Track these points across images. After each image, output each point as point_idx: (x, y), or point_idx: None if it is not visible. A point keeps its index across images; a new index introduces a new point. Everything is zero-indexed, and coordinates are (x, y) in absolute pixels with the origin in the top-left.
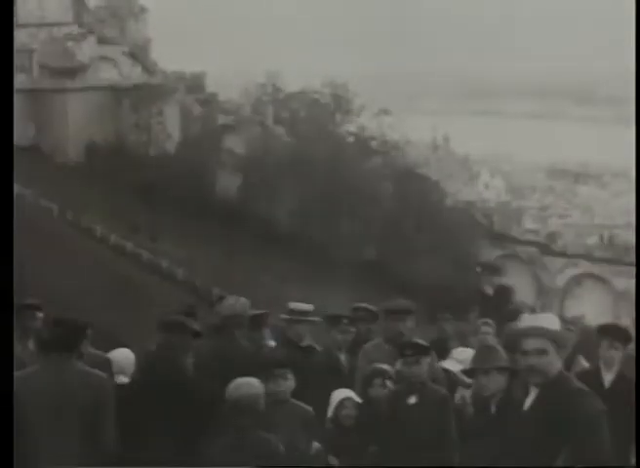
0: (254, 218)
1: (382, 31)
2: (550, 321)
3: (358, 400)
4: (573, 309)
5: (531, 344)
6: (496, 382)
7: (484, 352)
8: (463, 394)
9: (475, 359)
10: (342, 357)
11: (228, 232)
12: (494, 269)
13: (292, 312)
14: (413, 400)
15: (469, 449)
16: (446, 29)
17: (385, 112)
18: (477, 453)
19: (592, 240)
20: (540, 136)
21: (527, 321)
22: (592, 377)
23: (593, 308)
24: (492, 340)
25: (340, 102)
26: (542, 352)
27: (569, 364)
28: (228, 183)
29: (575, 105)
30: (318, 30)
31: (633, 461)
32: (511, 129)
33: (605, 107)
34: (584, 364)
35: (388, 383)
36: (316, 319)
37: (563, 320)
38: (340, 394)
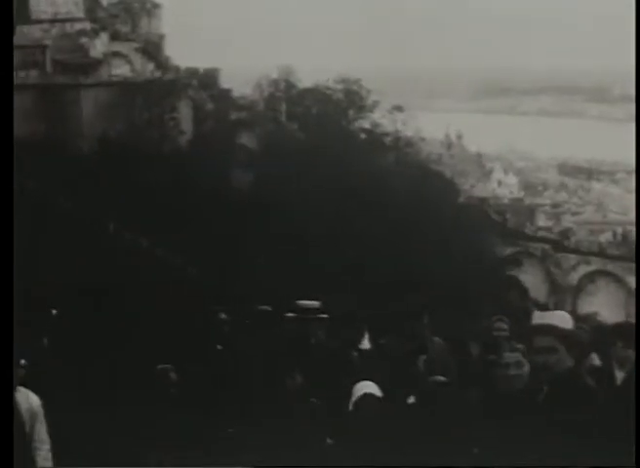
0: (267, 215)
1: (396, 28)
2: (562, 319)
3: (379, 394)
4: (586, 306)
5: (541, 342)
6: None
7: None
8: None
9: None
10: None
11: (241, 228)
12: (508, 265)
13: (299, 309)
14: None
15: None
16: (460, 26)
17: (399, 109)
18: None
19: (606, 237)
20: (554, 134)
21: (538, 318)
22: (604, 375)
23: (606, 305)
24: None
25: (353, 99)
26: (552, 350)
27: (581, 361)
28: (242, 179)
29: (588, 103)
30: (332, 26)
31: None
32: (524, 126)
33: (619, 105)
34: (597, 361)
35: None
36: (324, 316)
37: (576, 317)
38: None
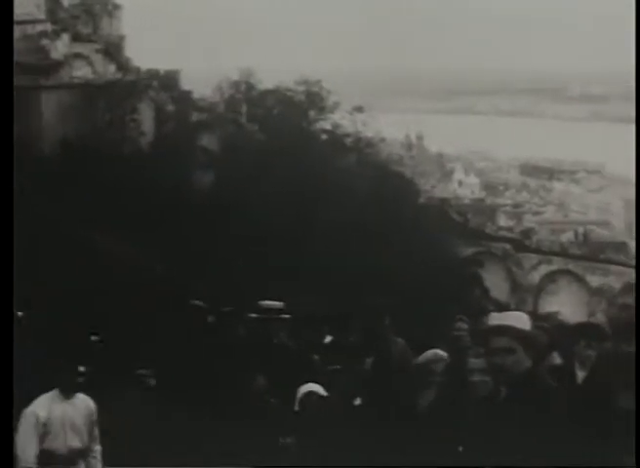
0: (228, 216)
1: (357, 29)
2: (519, 319)
3: (323, 393)
4: (547, 306)
5: (497, 343)
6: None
7: None
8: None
9: None
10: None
11: (203, 229)
12: (469, 265)
13: (262, 310)
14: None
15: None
16: (419, 28)
17: (359, 110)
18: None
19: (567, 236)
20: (515, 134)
21: (495, 319)
22: (565, 374)
23: (568, 305)
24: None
25: (313, 100)
26: (509, 351)
27: (540, 361)
28: (202, 180)
29: (549, 103)
30: (292, 28)
31: (633, 461)
32: (485, 126)
33: (579, 105)
34: (558, 360)
35: None
36: (286, 316)
37: (537, 317)
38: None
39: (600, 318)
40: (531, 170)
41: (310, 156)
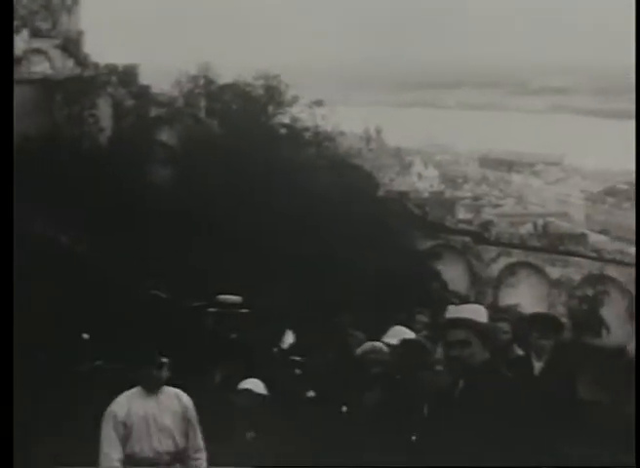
0: (187, 211)
1: (314, 23)
2: (477, 312)
3: (263, 391)
4: (507, 298)
5: (455, 336)
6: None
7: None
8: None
9: None
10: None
11: (162, 224)
12: (428, 258)
13: (221, 304)
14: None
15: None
16: (376, 21)
17: (318, 104)
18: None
19: (526, 229)
20: (474, 127)
21: (452, 312)
22: (523, 365)
23: (528, 297)
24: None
25: (272, 94)
26: (466, 343)
27: (498, 353)
28: (162, 175)
29: (508, 96)
30: (250, 21)
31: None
32: (444, 119)
33: (538, 98)
34: (519, 352)
35: None
36: (245, 311)
37: (497, 309)
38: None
39: (559, 310)
40: (490, 162)
41: (269, 150)
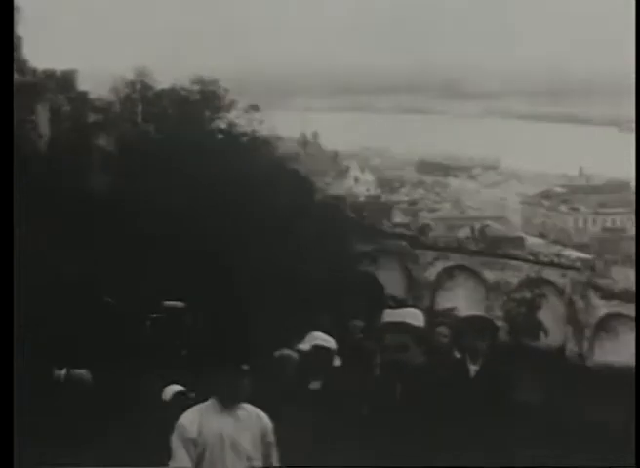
0: (126, 216)
1: (252, 27)
2: (413, 316)
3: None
4: (444, 302)
5: (392, 339)
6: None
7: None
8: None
9: None
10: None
11: (101, 230)
12: (365, 262)
13: (164, 310)
14: None
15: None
16: (313, 25)
17: (255, 108)
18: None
19: (464, 232)
20: (410, 131)
21: (388, 316)
22: (458, 368)
23: (465, 300)
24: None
25: (209, 99)
26: (403, 347)
27: (435, 356)
28: (100, 181)
29: (443, 100)
30: (188, 26)
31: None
32: (381, 124)
33: (473, 102)
34: (456, 355)
35: None
36: (188, 316)
37: (434, 313)
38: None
39: (496, 313)
40: (427, 166)
41: (206, 155)
